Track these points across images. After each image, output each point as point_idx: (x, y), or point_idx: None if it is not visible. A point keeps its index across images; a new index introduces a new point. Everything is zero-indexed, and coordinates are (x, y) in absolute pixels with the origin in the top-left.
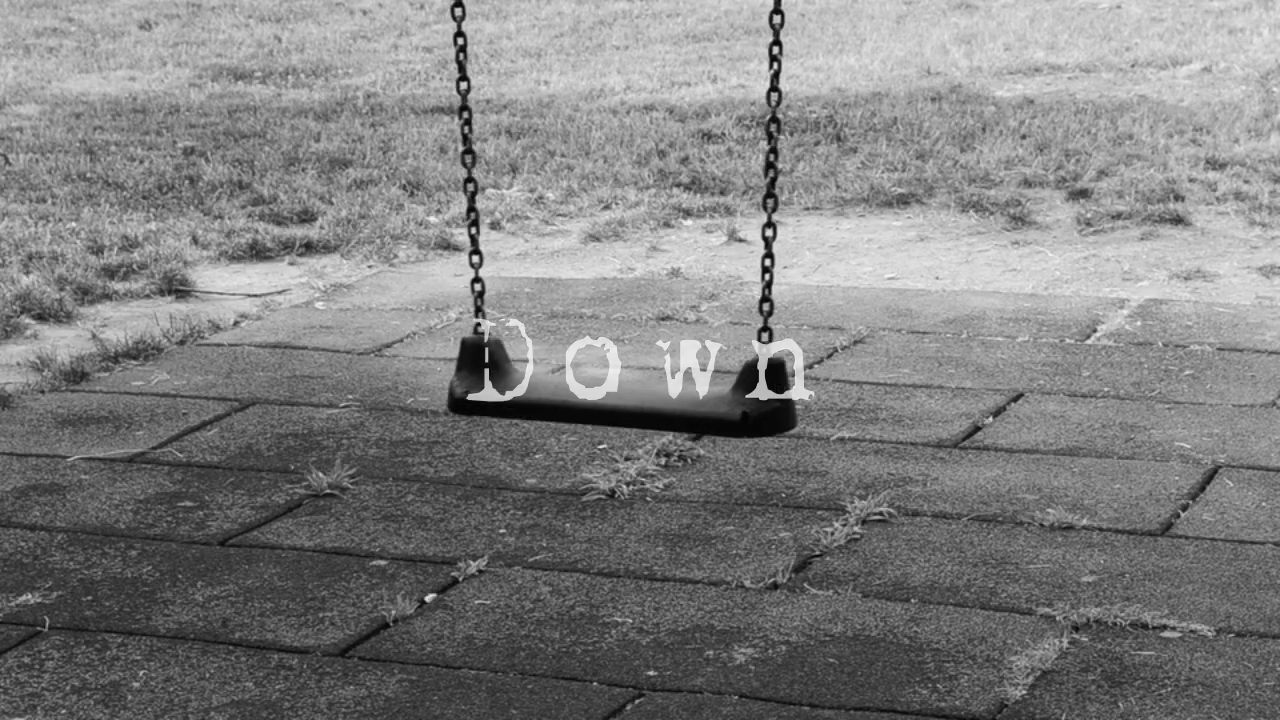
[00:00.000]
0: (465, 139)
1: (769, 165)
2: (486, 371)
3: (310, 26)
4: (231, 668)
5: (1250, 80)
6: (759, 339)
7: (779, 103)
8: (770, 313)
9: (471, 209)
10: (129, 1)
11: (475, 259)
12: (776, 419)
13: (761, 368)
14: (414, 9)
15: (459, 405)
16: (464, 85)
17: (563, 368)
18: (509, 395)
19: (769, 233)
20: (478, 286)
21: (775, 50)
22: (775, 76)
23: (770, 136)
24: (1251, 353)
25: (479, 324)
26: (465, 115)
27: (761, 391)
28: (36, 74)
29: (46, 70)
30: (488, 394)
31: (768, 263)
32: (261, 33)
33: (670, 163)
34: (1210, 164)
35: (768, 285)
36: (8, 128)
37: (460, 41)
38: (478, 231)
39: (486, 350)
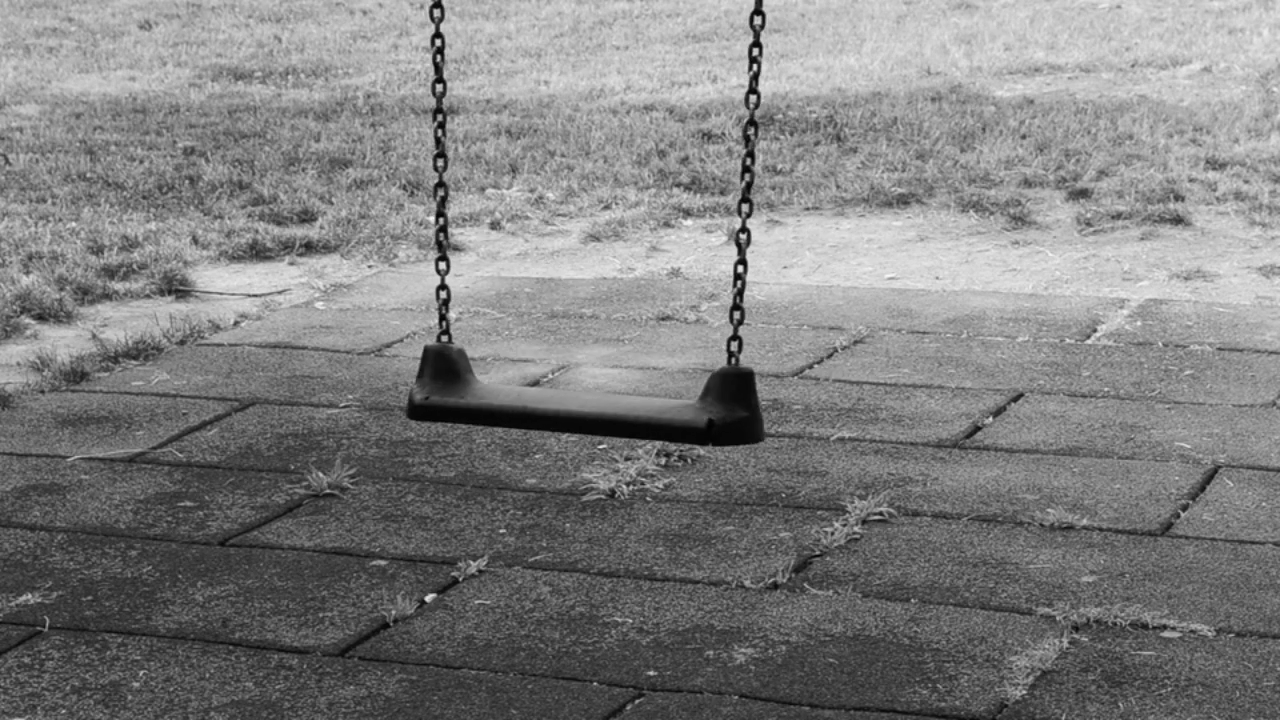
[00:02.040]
0: (439, 142)
1: (745, 169)
2: (446, 379)
3: (310, 26)
4: (231, 668)
5: (1250, 80)
6: (728, 347)
7: (757, 105)
8: (740, 321)
9: (440, 214)
10: (129, 1)
11: (442, 266)
12: (742, 429)
13: (726, 378)
14: (414, 9)
15: (418, 411)
16: (440, 87)
17: (551, 374)
18: (469, 401)
19: (742, 237)
20: (442, 294)
21: (755, 52)
22: (755, 79)
23: (748, 140)
24: (1251, 353)
25: (443, 333)
26: (440, 119)
27: (728, 403)
28: (36, 74)
29: (46, 70)
30: (447, 399)
31: (740, 269)
32: (261, 33)
33: (670, 163)
34: (1210, 164)
35: (739, 293)
36: (8, 128)
37: (439, 42)
38: (446, 239)
39: (449, 358)
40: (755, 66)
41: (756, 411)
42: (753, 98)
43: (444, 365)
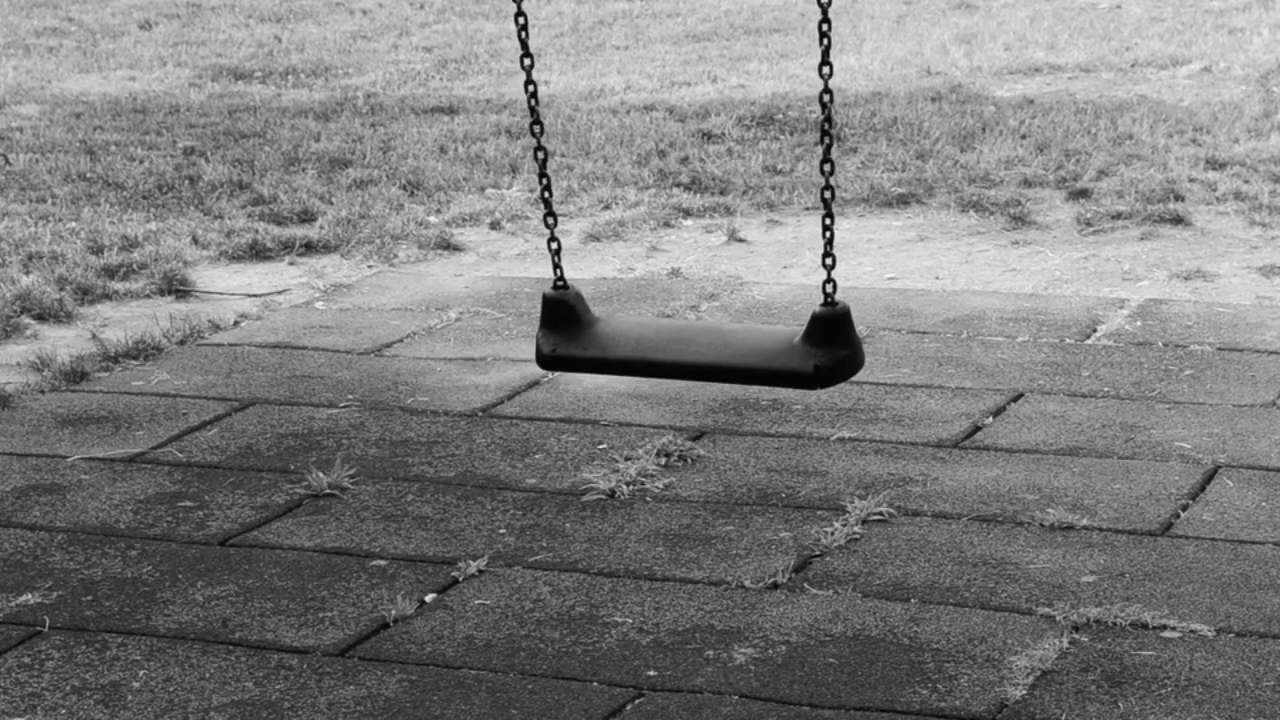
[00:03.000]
0: (533, 111)
1: (824, 133)
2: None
3: (310, 26)
4: (231, 668)
5: (1250, 80)
6: (824, 289)
7: (830, 74)
8: (833, 265)
9: (543, 174)
10: (129, 1)
11: (550, 221)
12: (845, 366)
13: (826, 318)
14: (414, 9)
15: (547, 361)
16: (527, 61)
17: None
18: (593, 352)
19: (828, 193)
20: (554, 245)
21: (825, 28)
22: (826, 51)
23: (824, 105)
24: (1251, 353)
25: (559, 280)
26: (531, 89)
27: (828, 345)
28: (36, 74)
29: (46, 70)
30: (573, 351)
31: (827, 214)
32: (261, 33)
33: (670, 163)
34: (1210, 164)
35: (829, 242)
36: (8, 128)
37: (522, 20)
38: (550, 195)
39: (568, 304)
40: (826, 41)
41: (856, 347)
42: (825, 69)
43: (564, 311)
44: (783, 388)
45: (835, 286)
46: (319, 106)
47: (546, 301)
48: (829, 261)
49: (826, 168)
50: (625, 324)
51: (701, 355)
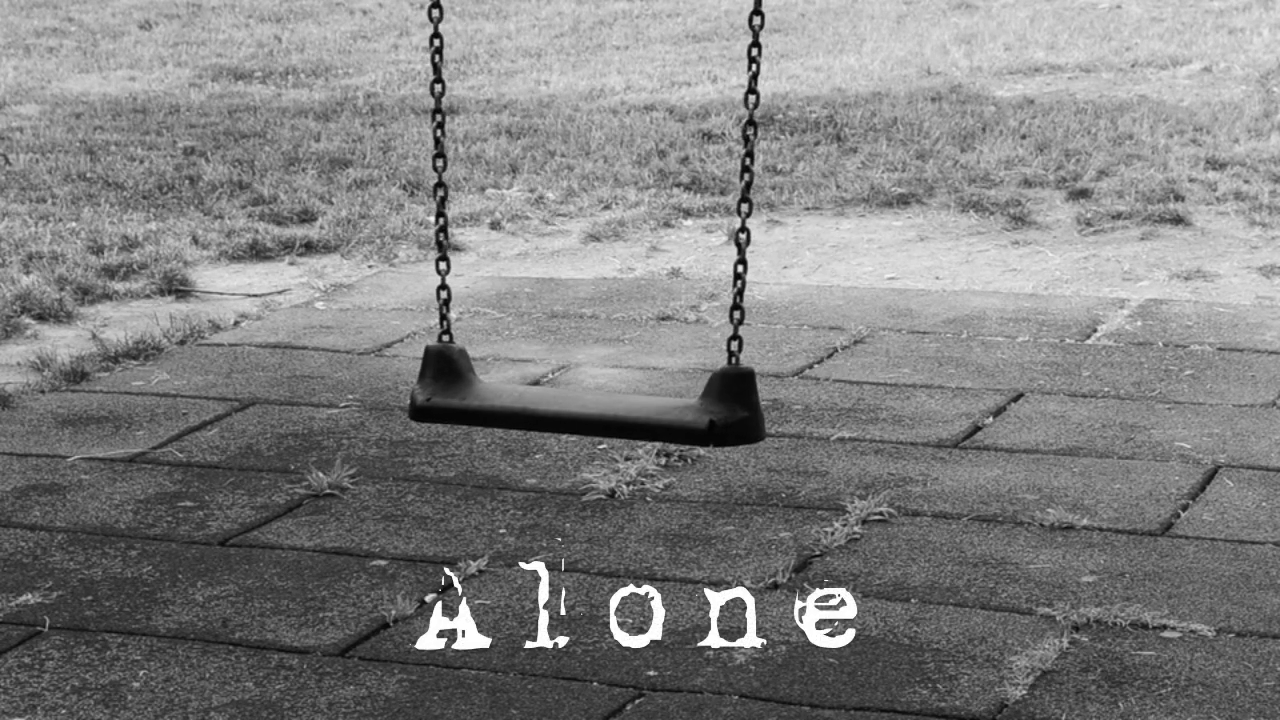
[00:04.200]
0: (438, 142)
1: (745, 169)
2: (448, 380)
3: (310, 26)
4: (231, 668)
5: (1250, 80)
6: (729, 347)
7: (756, 105)
8: (740, 320)
9: (440, 214)
10: (129, 1)
11: (443, 266)
12: (744, 429)
13: (727, 378)
14: (414, 9)
15: (420, 412)
16: (439, 87)
17: (551, 374)
18: (472, 402)
19: (742, 237)
20: (443, 294)
21: (754, 52)
22: (754, 79)
23: (747, 140)
24: (1251, 353)
25: (444, 333)
26: (439, 119)
27: (729, 403)
28: (36, 74)
29: (46, 70)
30: (450, 401)
31: (740, 269)
32: (261, 33)
33: (670, 163)
34: (1210, 164)
35: (739, 292)
36: (8, 128)
37: (437, 43)
38: (446, 239)
39: (451, 358)
40: (755, 66)
41: (758, 411)
42: (752, 98)
43: (446, 365)
44: (675, 444)
45: (740, 343)
46: (319, 106)
47: (429, 354)
48: (737, 315)
49: (744, 208)
50: (509, 385)
51: (588, 409)
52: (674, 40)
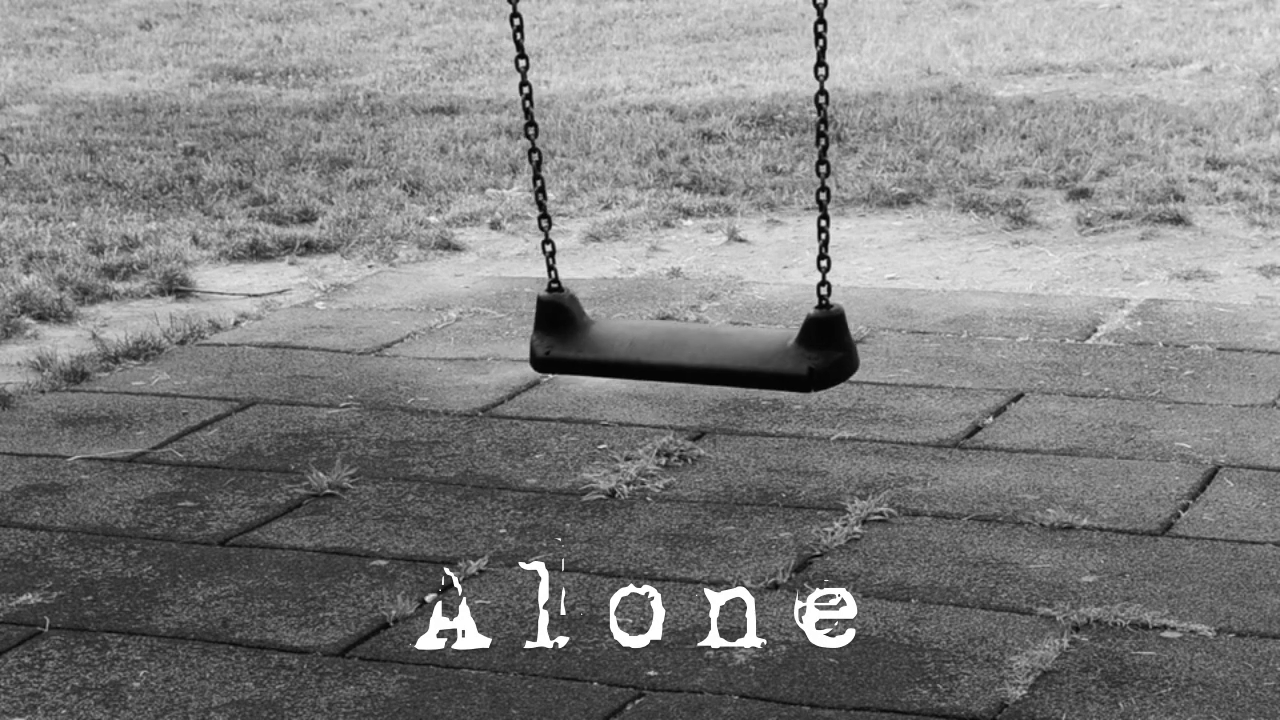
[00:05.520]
0: (528, 112)
1: (820, 133)
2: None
3: (310, 26)
4: (231, 668)
5: (1250, 80)
6: (818, 292)
7: (826, 76)
8: (828, 267)
9: (537, 176)
10: (129, 1)
11: (544, 223)
12: (840, 369)
13: (821, 321)
14: (414, 9)
15: (542, 364)
16: (523, 62)
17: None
18: (588, 355)
19: (824, 197)
20: (548, 248)
21: (820, 28)
22: (821, 53)
23: (820, 108)
24: (1251, 353)
25: (554, 282)
26: (526, 90)
27: (823, 346)
28: (36, 74)
29: (46, 70)
30: (567, 353)
31: (822, 215)
32: (261, 33)
33: (670, 163)
34: (1210, 164)
35: (824, 245)
36: (8, 128)
37: (517, 21)
38: (545, 198)
39: (563, 307)
40: (821, 42)
41: (851, 349)
42: (821, 70)
43: (559, 315)
44: (778, 390)
45: (829, 288)
46: (319, 106)
47: (541, 304)
48: (824, 264)
49: (823, 169)
50: (620, 326)
51: (696, 358)
52: (674, 40)
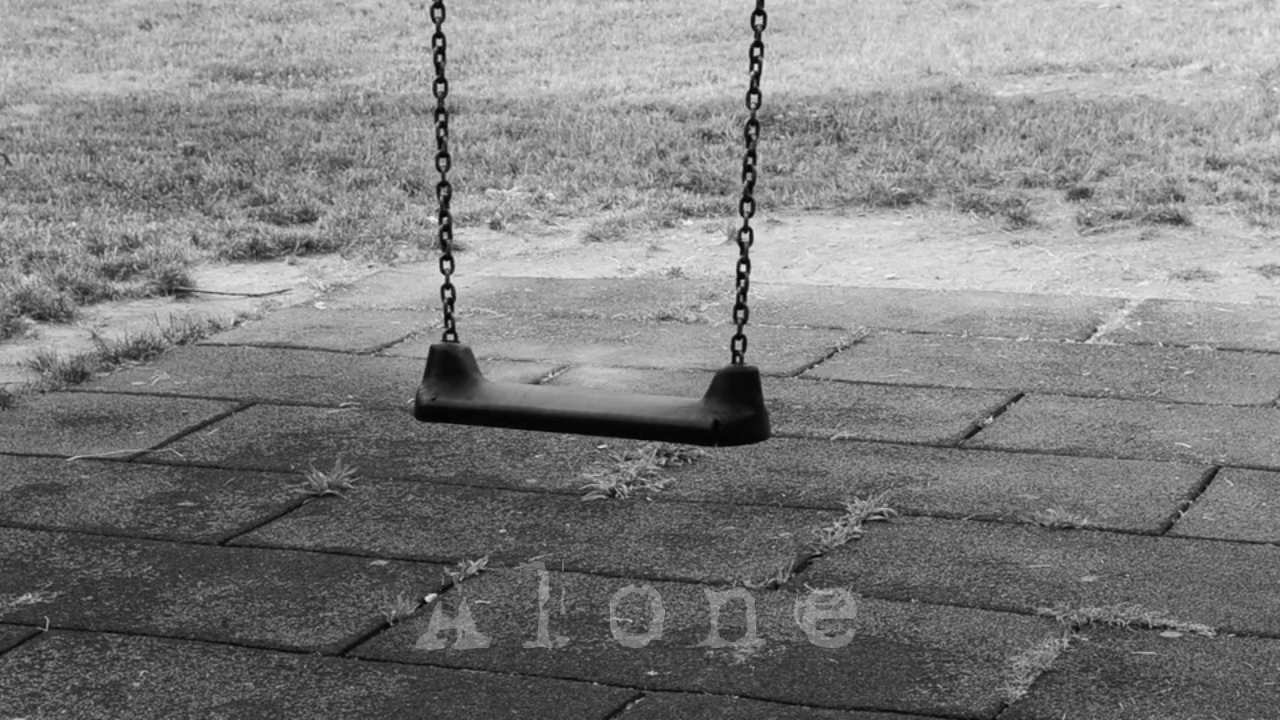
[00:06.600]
0: (440, 142)
1: (747, 168)
2: (454, 379)
3: (310, 26)
4: (231, 668)
5: (1250, 80)
6: (733, 346)
7: (758, 105)
8: (744, 320)
9: (444, 213)
10: (129, 1)
11: (447, 265)
12: (748, 429)
13: (732, 377)
14: (414, 9)
15: (426, 412)
16: (441, 87)
17: (551, 374)
18: (477, 402)
19: (744, 237)
20: (448, 294)
21: (756, 52)
22: (756, 78)
23: (749, 139)
24: (1251, 353)
25: (448, 332)
26: (441, 119)
27: (733, 402)
28: (36, 74)
29: (46, 70)
30: (455, 400)
31: (743, 269)
32: (261, 33)
33: (670, 163)
34: (1210, 164)
35: (743, 291)
36: (8, 128)
37: (440, 43)
38: (450, 238)
39: (456, 358)
40: (756, 66)
41: (762, 410)
42: (754, 97)
43: (450, 365)
44: (681, 444)
45: (745, 343)
46: (319, 106)
47: (434, 352)
48: (741, 314)
49: (747, 208)
50: (514, 384)
51: (594, 407)
52: (674, 40)
